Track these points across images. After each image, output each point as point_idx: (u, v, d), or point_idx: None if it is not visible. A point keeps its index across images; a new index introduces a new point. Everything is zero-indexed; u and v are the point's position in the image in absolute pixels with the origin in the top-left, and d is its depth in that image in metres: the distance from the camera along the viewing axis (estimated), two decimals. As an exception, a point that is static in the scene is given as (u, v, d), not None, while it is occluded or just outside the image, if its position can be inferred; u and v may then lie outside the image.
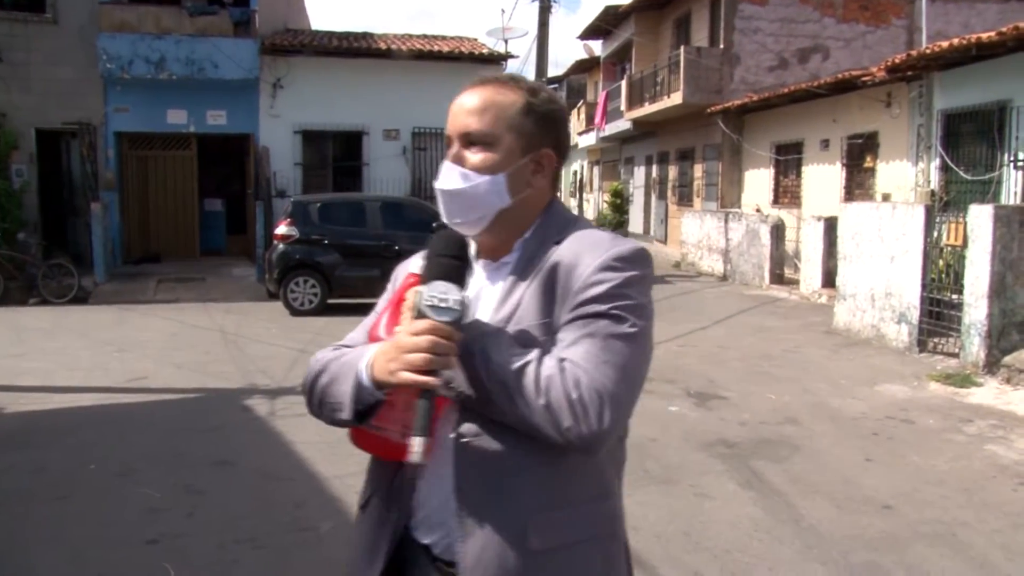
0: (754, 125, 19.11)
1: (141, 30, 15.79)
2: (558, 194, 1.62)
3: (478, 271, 1.56)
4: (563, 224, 1.54)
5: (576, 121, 31.82)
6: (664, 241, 23.43)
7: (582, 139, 31.82)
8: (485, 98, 1.50)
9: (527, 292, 1.45)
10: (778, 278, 15.63)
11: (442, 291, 1.34)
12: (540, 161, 1.52)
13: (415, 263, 1.52)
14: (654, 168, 25.35)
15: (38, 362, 8.87)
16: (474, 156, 1.48)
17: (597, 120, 27.77)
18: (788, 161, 17.75)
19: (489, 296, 1.52)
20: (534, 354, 1.36)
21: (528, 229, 1.53)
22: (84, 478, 5.22)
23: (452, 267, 1.39)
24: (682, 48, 20.19)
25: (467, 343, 1.36)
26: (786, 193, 17.99)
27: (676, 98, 19.96)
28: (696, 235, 19.46)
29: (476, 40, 19.26)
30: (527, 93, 1.53)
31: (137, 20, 15.91)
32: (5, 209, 14.62)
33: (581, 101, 33.24)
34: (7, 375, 8.10)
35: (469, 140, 1.49)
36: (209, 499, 4.89)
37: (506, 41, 20.30)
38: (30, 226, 15.22)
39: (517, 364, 1.34)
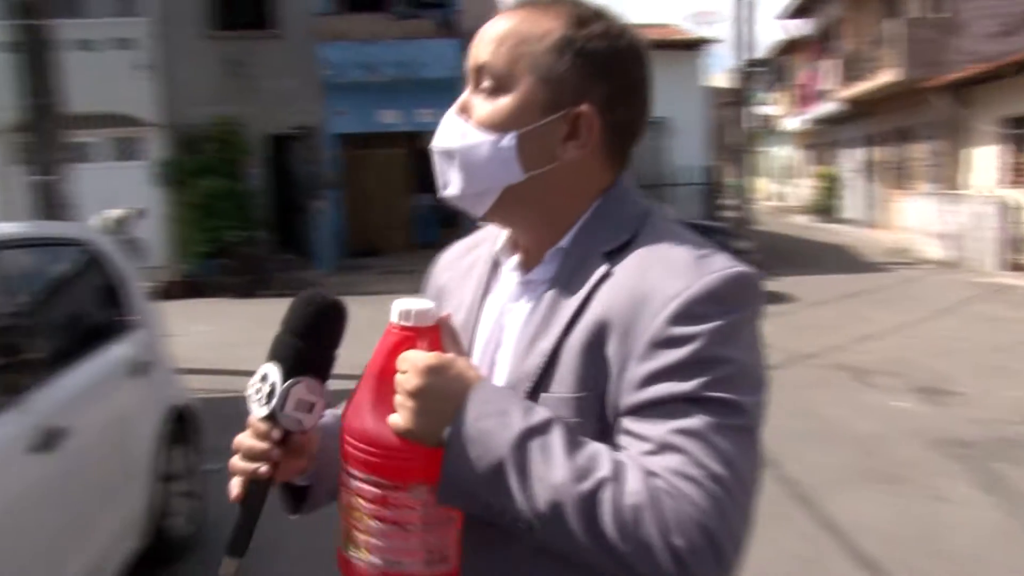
0: (979, 99, 17.55)
1: (354, 38, 16.79)
2: (626, 180, 1.10)
3: (508, 278, 1.12)
4: (625, 223, 1.05)
5: (782, 103, 30.68)
6: (881, 226, 22.09)
7: (788, 122, 30.64)
8: (511, 25, 1.06)
9: (565, 343, 0.99)
10: (1011, 264, 14.34)
11: (260, 378, 1.01)
12: (576, 122, 1.03)
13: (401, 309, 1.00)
14: (867, 150, 23.98)
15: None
16: (482, 105, 1.06)
17: (804, 102, 26.63)
18: (1021, 136, 16.20)
19: (513, 328, 1.07)
20: (605, 464, 0.88)
21: (568, 229, 1.06)
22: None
23: (286, 346, 1.01)
24: (896, 20, 18.92)
25: (474, 452, 0.90)
26: (1019, 172, 16.43)
27: (891, 74, 18.74)
28: (916, 219, 18.21)
29: (674, 27, 18.96)
30: (570, 23, 1.04)
31: (351, 29, 16.93)
32: (243, 209, 15.97)
33: (786, 83, 32.02)
34: (249, 362, 8.85)
35: (481, 81, 1.06)
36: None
37: (706, 25, 19.86)
38: (264, 224, 16.57)
39: (584, 486, 0.86)
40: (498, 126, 1.03)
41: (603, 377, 0.96)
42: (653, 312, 0.94)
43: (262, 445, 0.99)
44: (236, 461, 1.01)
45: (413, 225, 19.19)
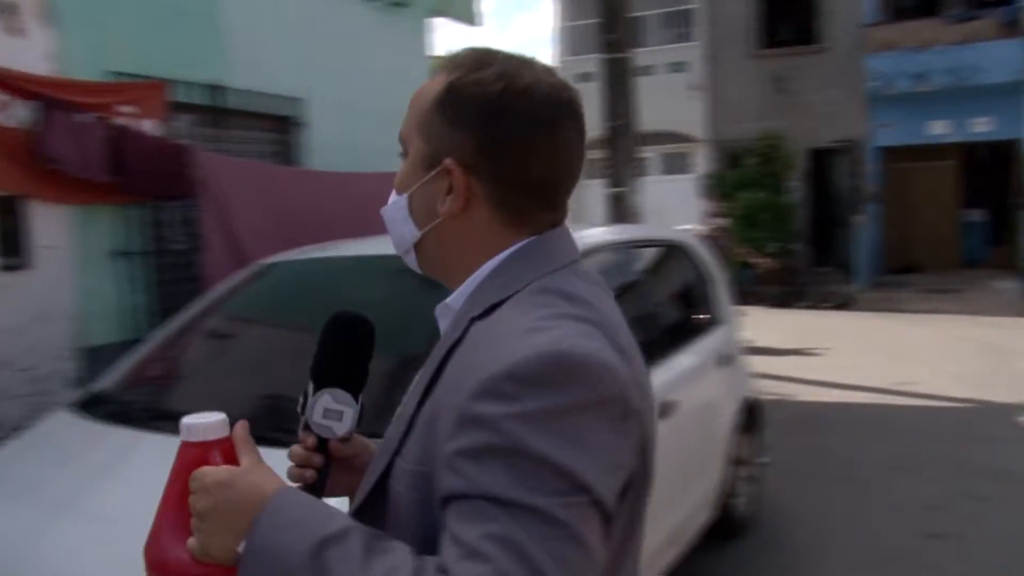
0: None
1: (903, 46, 16.08)
2: (545, 241, 1.01)
3: None
4: (503, 287, 0.96)
5: None
6: None
7: None
8: (420, 87, 1.05)
9: (420, 412, 0.95)
10: None
11: (302, 392, 1.10)
12: (448, 176, 0.98)
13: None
14: None
15: (815, 359, 9.88)
16: (399, 170, 1.07)
17: None
18: None
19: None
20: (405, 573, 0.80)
21: (463, 289, 1.02)
22: (862, 466, 5.73)
23: (314, 361, 1.08)
24: None
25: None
26: None
27: None
28: None
29: None
30: (454, 72, 1.00)
31: (901, 37, 16.24)
32: (782, 222, 16.37)
33: None
34: (797, 369, 9.20)
35: (401, 148, 1.07)
36: (992, 506, 4.92)
37: None
38: (801, 237, 16.79)
39: None
40: (399, 188, 1.04)
41: (434, 456, 0.88)
42: (467, 387, 0.85)
43: (304, 452, 1.06)
44: (291, 469, 1.07)
45: (961, 242, 17.77)
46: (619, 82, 8.70)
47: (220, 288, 3.49)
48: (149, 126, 5.83)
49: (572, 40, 19.64)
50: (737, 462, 4.37)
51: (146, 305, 6.03)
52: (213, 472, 0.90)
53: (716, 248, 6.80)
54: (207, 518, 0.88)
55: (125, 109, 5.69)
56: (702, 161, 17.51)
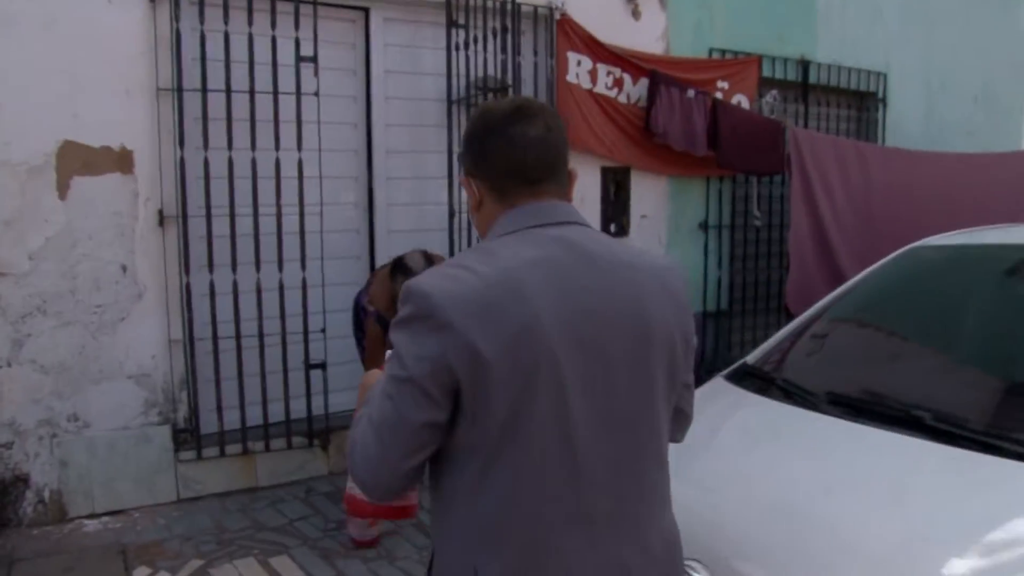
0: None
1: None
2: (514, 214, 1.41)
3: None
4: (489, 238, 1.42)
5: None
6: None
7: None
8: None
9: None
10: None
11: None
12: (466, 185, 1.48)
13: None
14: None
15: None
16: None
17: None
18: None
19: None
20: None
21: None
22: None
23: None
24: None
25: None
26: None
27: None
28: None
29: None
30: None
31: None
32: None
33: None
34: None
35: None
36: None
37: None
38: None
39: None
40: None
41: None
42: None
43: None
44: None
45: None
46: None
47: (867, 272, 3.29)
48: (742, 101, 5.89)
49: None
50: None
51: (727, 278, 6.17)
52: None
53: None
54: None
55: (721, 85, 5.82)
56: None
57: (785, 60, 6.28)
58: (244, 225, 4.16)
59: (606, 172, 5.53)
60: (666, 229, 5.87)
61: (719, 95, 5.74)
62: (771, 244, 6.27)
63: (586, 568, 1.29)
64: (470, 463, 1.27)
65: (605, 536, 1.31)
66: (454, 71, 4.70)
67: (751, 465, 2.28)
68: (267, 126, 4.11)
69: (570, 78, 5.22)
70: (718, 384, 2.96)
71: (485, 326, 1.22)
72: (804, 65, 6.41)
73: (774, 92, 6.30)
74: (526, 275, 1.26)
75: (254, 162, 4.08)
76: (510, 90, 4.69)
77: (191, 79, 4.09)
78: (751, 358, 3.08)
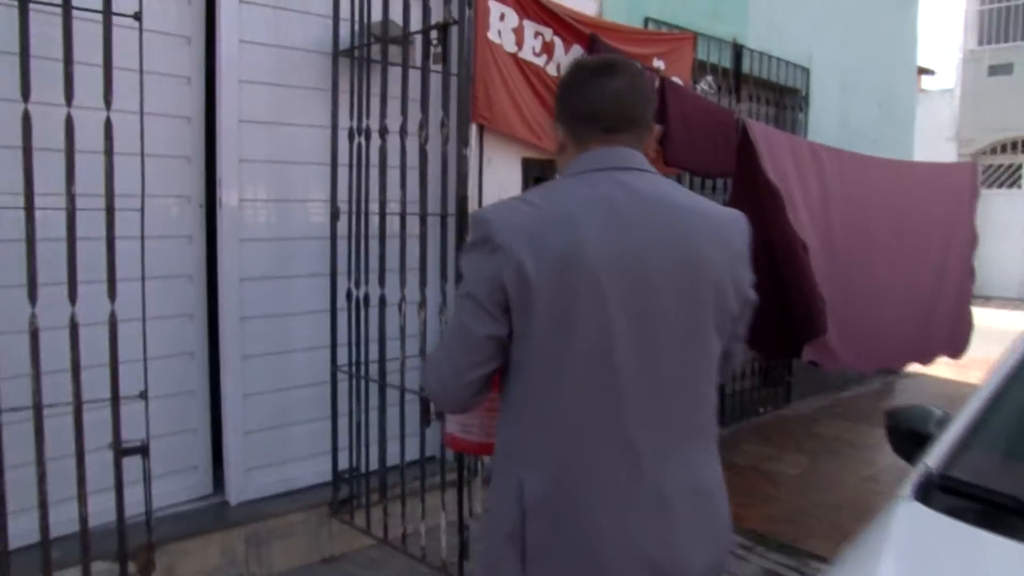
0: None
1: None
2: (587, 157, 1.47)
3: None
4: (563, 175, 1.52)
5: None
6: None
7: None
8: None
9: None
10: None
11: None
12: (554, 130, 1.55)
13: None
14: None
15: None
16: None
17: None
18: None
19: None
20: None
21: None
22: None
23: None
24: None
25: None
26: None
27: None
28: None
29: None
30: None
31: None
32: None
33: None
34: None
35: None
36: None
37: None
38: None
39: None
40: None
41: None
42: None
43: None
44: None
45: None
46: None
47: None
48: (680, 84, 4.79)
49: (984, 26, 17.23)
50: None
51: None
52: None
53: None
54: None
55: (657, 64, 4.69)
56: None
57: (720, 43, 5.26)
58: (9, 225, 2.53)
59: (527, 165, 4.25)
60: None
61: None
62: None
63: (627, 497, 1.30)
64: (518, 381, 1.37)
65: (647, 468, 1.31)
66: (342, 12, 3.28)
67: None
68: (52, 65, 2.48)
69: (491, 35, 3.90)
70: (912, 513, 1.71)
71: (534, 251, 1.29)
72: (737, 50, 5.42)
73: (709, 78, 5.26)
74: (578, 210, 1.33)
75: (26, 117, 2.40)
76: (414, 39, 3.29)
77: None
78: (938, 461, 1.85)
